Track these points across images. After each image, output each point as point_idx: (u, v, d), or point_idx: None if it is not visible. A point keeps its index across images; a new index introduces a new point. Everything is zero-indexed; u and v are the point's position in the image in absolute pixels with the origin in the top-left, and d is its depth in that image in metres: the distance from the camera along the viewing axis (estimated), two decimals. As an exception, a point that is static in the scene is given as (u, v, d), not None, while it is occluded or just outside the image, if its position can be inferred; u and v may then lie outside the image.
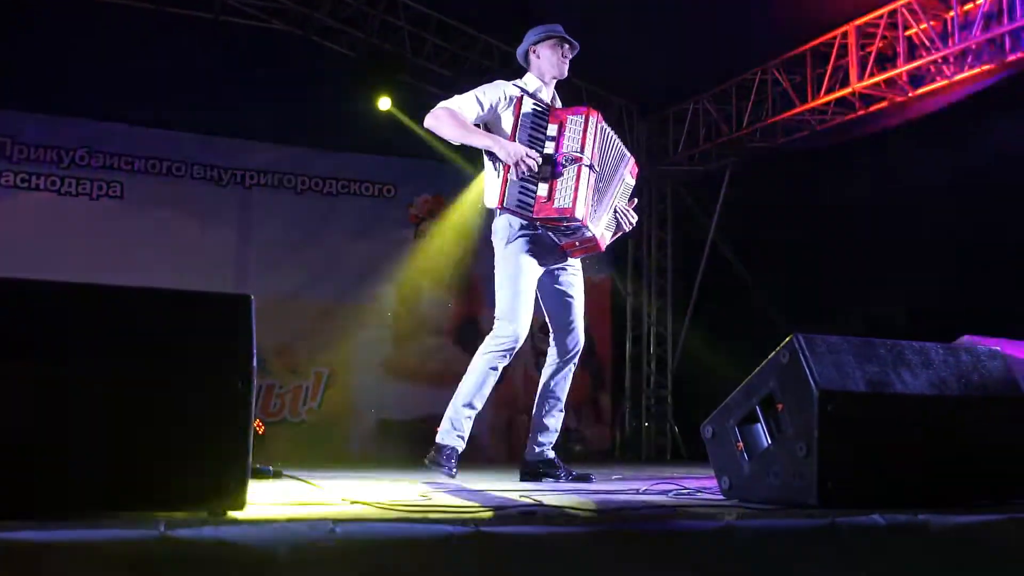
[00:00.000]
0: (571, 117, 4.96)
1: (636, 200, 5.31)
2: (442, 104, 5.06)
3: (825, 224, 12.64)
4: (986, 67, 9.82)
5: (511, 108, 5.01)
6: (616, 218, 5.15)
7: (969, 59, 9.86)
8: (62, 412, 2.41)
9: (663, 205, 13.53)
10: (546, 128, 4.94)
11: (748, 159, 12.29)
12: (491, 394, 12.69)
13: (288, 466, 7.09)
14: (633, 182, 5.31)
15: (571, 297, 5.23)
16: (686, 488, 3.95)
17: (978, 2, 9.50)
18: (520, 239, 4.98)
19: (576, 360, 5.36)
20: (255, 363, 2.70)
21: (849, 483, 3.04)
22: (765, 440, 3.23)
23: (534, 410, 5.41)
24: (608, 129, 5.11)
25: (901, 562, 2.80)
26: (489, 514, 2.57)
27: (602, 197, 5.02)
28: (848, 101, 10.90)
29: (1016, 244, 12.68)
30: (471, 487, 4.34)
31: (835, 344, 3.20)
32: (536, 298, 5.19)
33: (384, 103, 11.61)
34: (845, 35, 10.62)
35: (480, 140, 4.95)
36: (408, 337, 12.15)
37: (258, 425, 10.92)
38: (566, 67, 5.24)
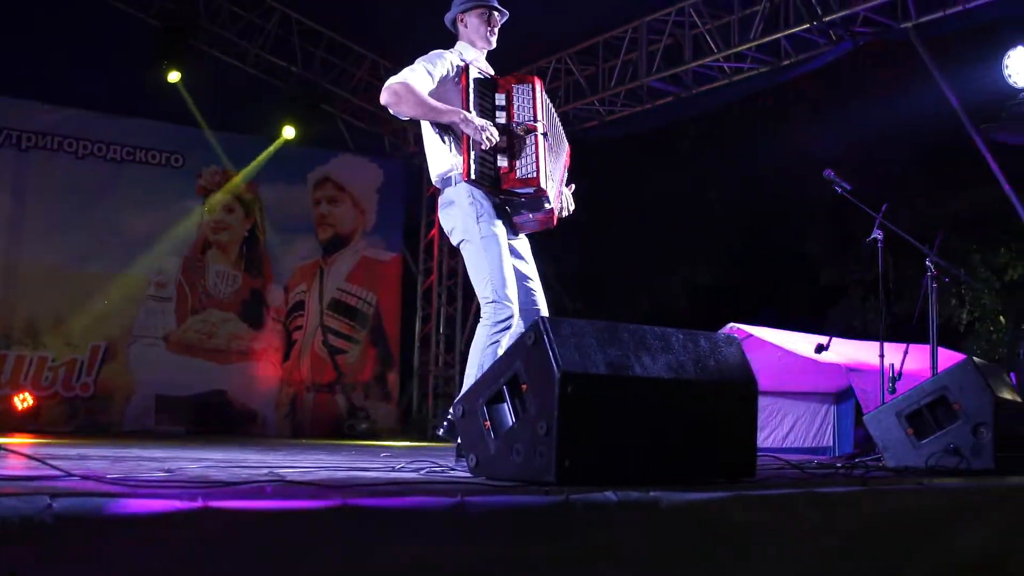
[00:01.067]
0: (517, 86, 4.82)
1: (573, 185, 5.10)
2: (397, 79, 4.72)
3: (617, 212, 13.03)
4: (763, 69, 10.34)
5: (458, 78, 4.79)
6: (565, 197, 5.00)
7: (748, 61, 10.34)
8: None
9: (458, 187, 13.61)
10: (494, 98, 4.79)
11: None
12: (277, 371, 12.53)
13: (61, 441, 6.84)
14: (566, 162, 5.13)
15: (530, 263, 4.99)
16: (442, 466, 4.01)
17: (758, 8, 9.97)
18: (488, 214, 4.77)
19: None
20: None
21: (587, 462, 3.15)
22: (510, 419, 3.32)
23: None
24: (551, 106, 4.98)
25: (632, 538, 2.94)
26: (217, 488, 2.55)
27: (555, 168, 4.90)
28: (637, 94, 11.24)
29: (785, 240, 13.39)
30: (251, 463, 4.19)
31: (580, 328, 3.30)
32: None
33: (173, 76, 11.26)
34: (636, 29, 10.95)
35: (445, 115, 4.68)
36: (192, 311, 11.83)
37: (23, 399, 10.45)
38: (494, 38, 5.02)
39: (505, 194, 4.76)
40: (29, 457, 3.22)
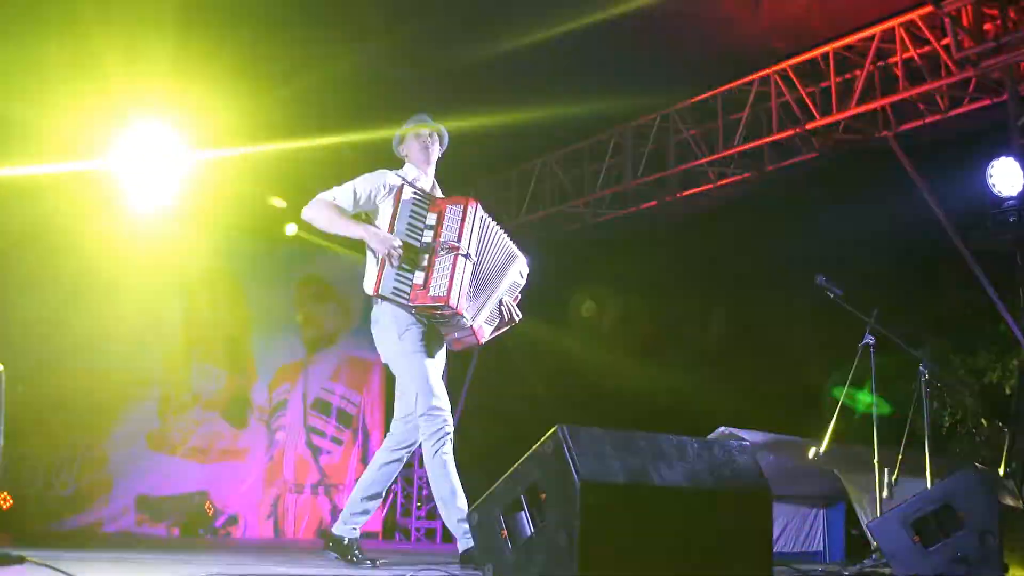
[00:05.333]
0: (450, 207, 4.98)
1: (519, 297, 5.32)
2: (320, 195, 5.07)
3: (599, 314, 13.10)
4: (747, 174, 10.55)
5: (391, 197, 5.03)
6: (500, 311, 5.16)
7: (732, 166, 10.55)
8: None
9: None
10: (425, 217, 4.97)
11: (528, 245, 12.60)
12: (260, 471, 12.36)
13: (41, 544, 6.71)
14: (523, 280, 5.31)
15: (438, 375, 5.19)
16: None
17: (741, 115, 10.20)
18: (413, 328, 4.98)
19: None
20: (1, 440, 2.57)
21: (609, 573, 3.14)
22: (529, 529, 3.30)
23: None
24: (491, 221, 5.12)
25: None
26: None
27: (482, 287, 5.04)
28: (622, 197, 11.41)
29: (763, 342, 13.47)
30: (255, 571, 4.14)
31: (597, 436, 3.31)
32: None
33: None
34: (621, 134, 11.15)
35: (353, 231, 4.96)
36: (175, 410, 11.69)
37: (4, 498, 10.29)
38: (431, 154, 5.32)
39: (418, 310, 4.91)
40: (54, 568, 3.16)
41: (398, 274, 4.87)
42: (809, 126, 9.80)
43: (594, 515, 3.10)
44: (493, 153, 11.97)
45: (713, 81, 10.37)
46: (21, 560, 3.51)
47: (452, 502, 4.86)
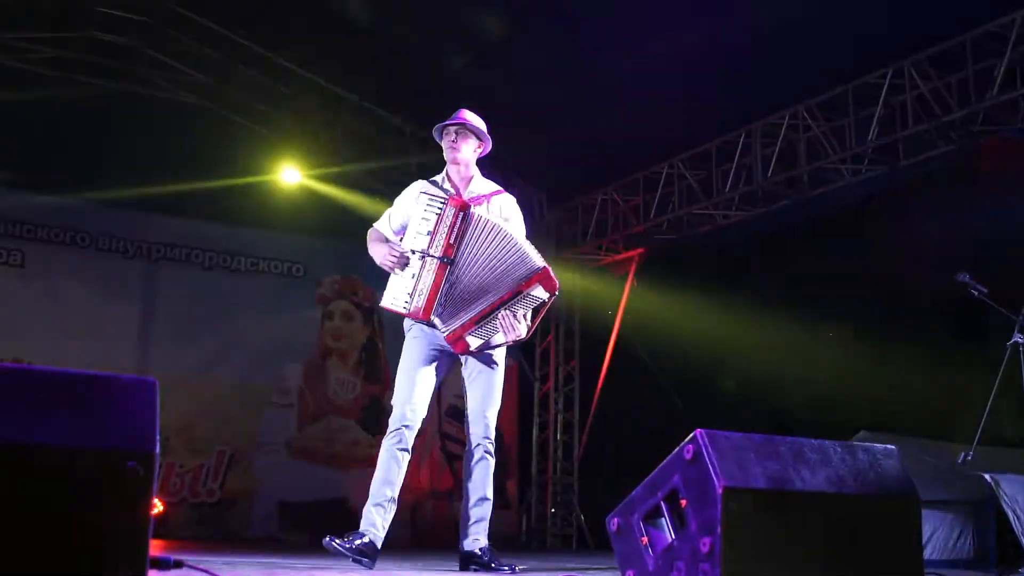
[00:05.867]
0: (449, 209, 4.84)
1: (530, 313, 4.93)
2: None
3: (731, 316, 12.90)
4: (880, 169, 10.24)
5: (415, 204, 4.97)
6: (500, 324, 4.86)
7: (866, 162, 10.26)
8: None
9: (572, 293, 13.67)
10: (428, 221, 4.86)
11: (656, 250, 12.52)
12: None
13: (188, 548, 6.93)
14: (542, 295, 4.85)
15: (471, 387, 5.14)
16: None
17: (873, 109, 9.91)
18: (410, 330, 5.10)
19: (483, 448, 5.15)
20: (158, 448, 2.66)
21: (750, 579, 3.08)
22: (669, 535, 3.27)
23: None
24: (493, 225, 4.84)
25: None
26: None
27: (467, 296, 4.83)
28: (751, 198, 11.21)
29: (913, 340, 13.06)
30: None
31: (737, 441, 3.26)
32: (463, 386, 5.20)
33: (292, 176, 11.65)
34: (749, 133, 10.96)
35: (371, 251, 5.08)
36: (313, 418, 11.99)
37: (156, 503, 10.66)
38: (455, 153, 5.08)
39: (409, 316, 4.96)
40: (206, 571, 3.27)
41: (395, 283, 4.92)
42: (946, 118, 9.47)
43: (736, 521, 3.05)
44: (618, 159, 11.96)
45: (843, 75, 10.11)
46: (179, 565, 3.63)
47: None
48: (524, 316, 4.90)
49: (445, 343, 4.95)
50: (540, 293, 4.83)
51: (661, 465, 3.37)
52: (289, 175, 11.70)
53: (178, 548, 6.90)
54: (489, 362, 5.07)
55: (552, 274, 4.83)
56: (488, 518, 5.17)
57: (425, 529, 12.23)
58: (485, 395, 5.10)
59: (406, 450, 4.97)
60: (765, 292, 13.25)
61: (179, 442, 11.07)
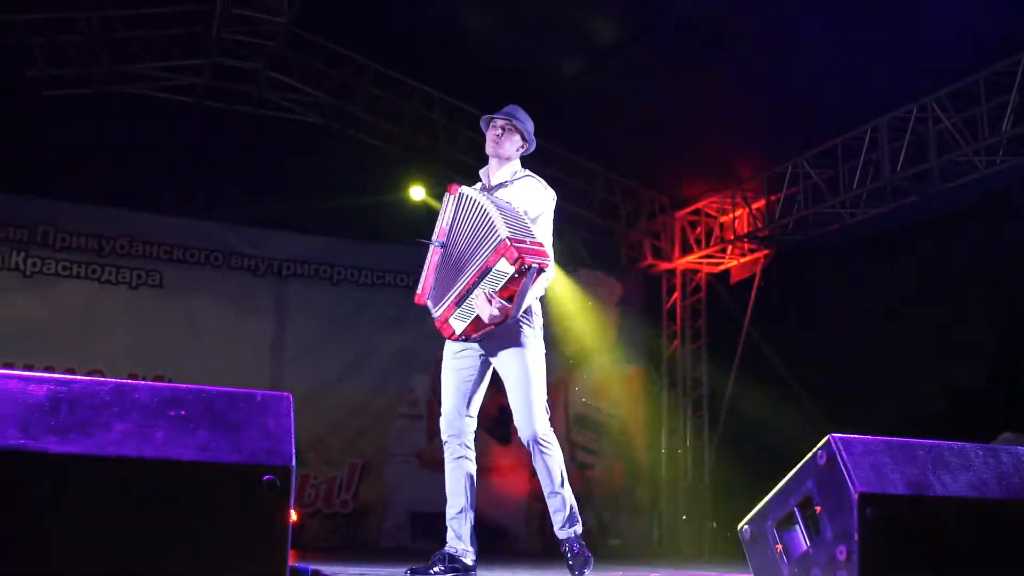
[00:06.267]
0: (445, 196, 4.88)
1: (493, 296, 4.57)
2: None
3: (863, 316, 12.60)
4: (1016, 160, 9.85)
5: None
6: (475, 304, 4.62)
7: (1001, 153, 9.89)
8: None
9: (697, 297, 13.54)
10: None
11: (783, 251, 12.32)
12: (527, 487, 12.51)
13: (323, 558, 7.08)
14: (507, 269, 4.48)
15: (504, 382, 4.92)
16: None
17: (1006, 97, 9.55)
18: None
19: (529, 444, 4.99)
20: (294, 462, 2.72)
21: (891, 588, 3.00)
22: (804, 543, 3.21)
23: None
24: (474, 201, 4.65)
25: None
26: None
27: (450, 277, 4.73)
28: (880, 194, 10.93)
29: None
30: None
31: (873, 445, 3.18)
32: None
33: (418, 193, 11.81)
34: (876, 129, 10.69)
35: None
36: (442, 428, 12.13)
37: (291, 514, 10.91)
38: (498, 148, 4.98)
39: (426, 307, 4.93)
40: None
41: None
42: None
43: (874, 528, 2.98)
44: (740, 160, 11.82)
45: (973, 64, 9.78)
46: (317, 575, 3.73)
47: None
48: (493, 293, 4.55)
49: (491, 340, 4.82)
50: (504, 267, 4.48)
51: (794, 471, 3.31)
52: (416, 193, 11.87)
53: (314, 558, 7.05)
54: (509, 350, 4.82)
55: (513, 245, 4.43)
56: (564, 510, 5.04)
57: (556, 538, 12.21)
58: (514, 386, 4.89)
59: (463, 457, 4.98)
60: (899, 290, 12.91)
61: (313, 454, 11.30)
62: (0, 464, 2.36)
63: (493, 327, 4.65)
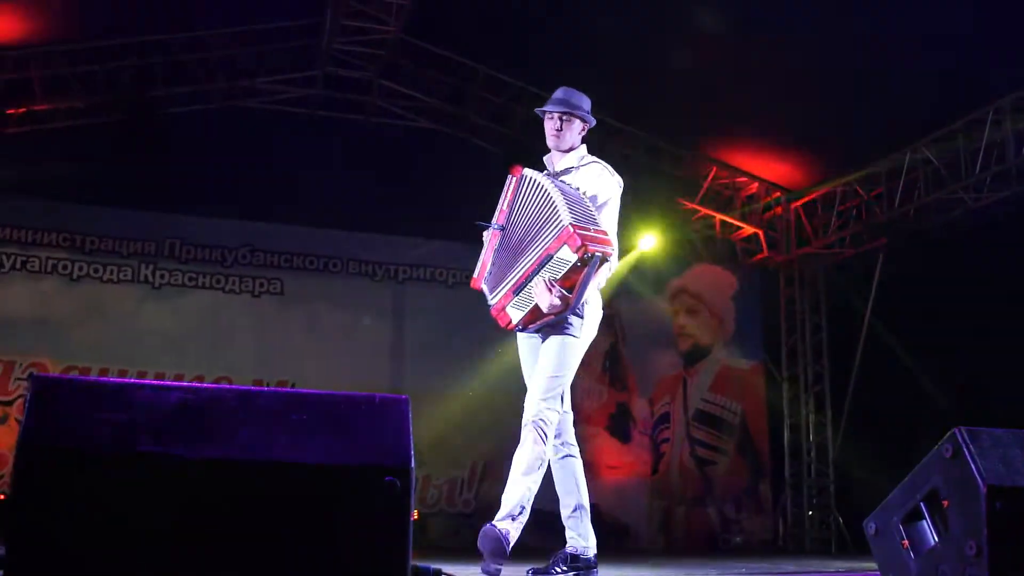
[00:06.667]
0: (508, 179, 4.56)
1: (555, 288, 4.30)
2: None
3: (990, 304, 12.21)
4: None
5: None
6: (533, 293, 4.34)
7: None
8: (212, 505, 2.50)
9: (816, 289, 13.29)
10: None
11: (903, 239, 12.01)
12: (647, 485, 12.38)
13: (446, 558, 7.15)
14: (569, 257, 4.22)
15: (537, 359, 4.61)
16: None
17: None
18: None
19: (524, 426, 4.68)
20: (413, 464, 2.77)
21: (1024, 583, 2.91)
22: (931, 538, 3.13)
23: None
24: (538, 184, 4.38)
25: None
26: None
27: (508, 262, 4.47)
28: (1004, 177, 10.57)
29: None
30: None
31: (1001, 438, 3.09)
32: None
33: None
34: (999, 110, 10.34)
35: None
36: (562, 427, 12.16)
37: (414, 514, 11.04)
38: (556, 140, 4.66)
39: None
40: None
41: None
42: None
43: (1004, 523, 2.89)
44: (857, 148, 11.57)
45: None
46: (439, 574, 3.78)
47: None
48: (554, 283, 4.27)
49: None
50: (567, 255, 4.21)
51: (920, 465, 3.23)
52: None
53: (438, 558, 7.13)
54: (547, 336, 4.51)
55: (577, 232, 4.14)
56: (512, 503, 4.62)
57: (678, 535, 12.15)
58: (540, 367, 4.55)
59: (568, 456, 4.77)
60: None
61: (434, 455, 11.43)
62: (136, 469, 2.46)
63: (552, 317, 4.36)
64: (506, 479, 4.71)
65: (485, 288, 4.55)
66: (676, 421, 12.56)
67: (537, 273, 4.29)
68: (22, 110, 11.00)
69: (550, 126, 4.67)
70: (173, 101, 11.40)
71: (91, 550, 2.37)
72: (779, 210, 12.96)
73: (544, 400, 4.51)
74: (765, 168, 12.60)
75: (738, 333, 13.08)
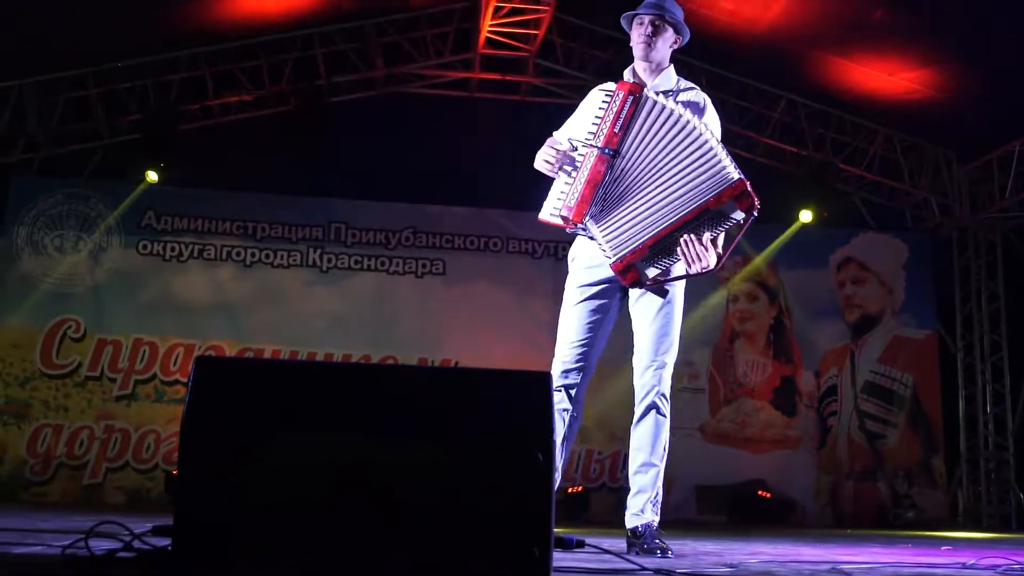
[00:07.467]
0: (617, 93, 3.96)
1: (721, 237, 3.91)
2: None
3: None
4: None
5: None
6: (681, 252, 3.83)
7: None
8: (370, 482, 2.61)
9: (992, 255, 12.73)
10: (599, 115, 3.97)
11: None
12: (814, 459, 12.19)
13: (608, 532, 7.22)
14: (737, 216, 3.79)
15: (640, 328, 4.29)
16: (1018, 563, 3.66)
17: None
18: (573, 260, 4.33)
19: (650, 404, 4.45)
20: (554, 437, 2.82)
21: None
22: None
23: None
24: (672, 112, 3.83)
25: None
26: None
27: (631, 204, 3.87)
28: None
29: None
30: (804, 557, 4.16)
31: None
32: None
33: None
34: None
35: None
36: (725, 401, 12.05)
37: (577, 488, 11.15)
38: (649, 50, 4.14)
39: (568, 229, 4.05)
40: (605, 551, 3.46)
41: (554, 188, 4.06)
42: None
43: None
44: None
45: None
46: (581, 545, 3.84)
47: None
48: (713, 242, 3.84)
49: (611, 272, 3.99)
50: (735, 212, 3.76)
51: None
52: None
53: (594, 532, 7.21)
54: (663, 295, 4.10)
55: (750, 188, 3.70)
56: (653, 489, 4.31)
57: (846, 510, 11.89)
58: (659, 337, 4.23)
59: (566, 410, 4.28)
60: None
61: (598, 430, 11.50)
62: (289, 446, 2.59)
63: (686, 278, 3.98)
64: (672, 453, 4.55)
65: (590, 224, 3.92)
66: (843, 394, 12.27)
67: (687, 227, 3.79)
68: (195, 106, 11.55)
69: (639, 34, 4.17)
70: (336, 89, 11.76)
71: (250, 526, 2.52)
72: (951, 174, 12.46)
73: (668, 377, 4.37)
74: (933, 130, 12.12)
75: (909, 302, 12.65)
